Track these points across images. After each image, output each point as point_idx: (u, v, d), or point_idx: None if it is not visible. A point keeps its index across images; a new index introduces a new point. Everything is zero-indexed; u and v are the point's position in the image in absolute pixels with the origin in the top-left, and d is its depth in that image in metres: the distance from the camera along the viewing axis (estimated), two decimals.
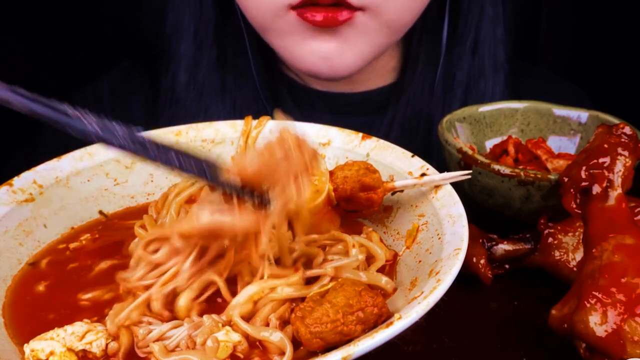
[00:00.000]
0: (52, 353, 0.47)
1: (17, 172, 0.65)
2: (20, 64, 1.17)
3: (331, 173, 0.61)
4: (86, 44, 1.20)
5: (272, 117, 0.74)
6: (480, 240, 0.62)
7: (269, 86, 0.96)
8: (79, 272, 0.60)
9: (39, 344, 0.48)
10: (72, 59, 1.21)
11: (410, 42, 0.96)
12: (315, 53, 0.84)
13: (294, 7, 0.80)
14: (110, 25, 1.25)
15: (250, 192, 0.51)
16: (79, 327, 0.49)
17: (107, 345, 0.49)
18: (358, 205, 0.62)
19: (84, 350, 0.48)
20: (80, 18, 1.24)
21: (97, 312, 0.54)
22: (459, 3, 0.94)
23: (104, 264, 0.60)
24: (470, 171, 0.62)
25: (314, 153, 0.53)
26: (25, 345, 0.49)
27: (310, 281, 0.55)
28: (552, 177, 0.64)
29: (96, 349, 0.49)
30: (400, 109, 0.96)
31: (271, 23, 0.84)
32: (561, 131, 0.81)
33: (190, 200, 0.62)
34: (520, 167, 0.70)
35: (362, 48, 0.84)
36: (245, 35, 0.94)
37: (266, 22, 0.85)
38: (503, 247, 0.63)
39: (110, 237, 0.65)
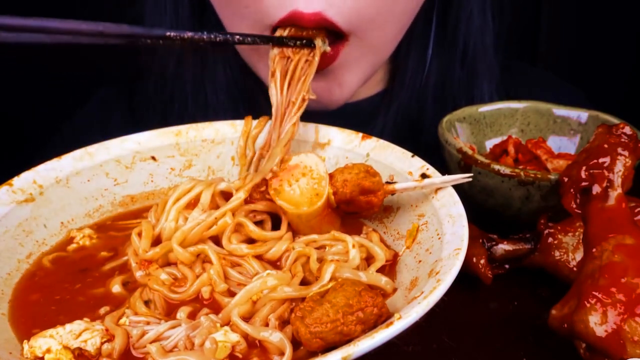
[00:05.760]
0: (48, 350, 0.48)
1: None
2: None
3: (331, 176, 0.61)
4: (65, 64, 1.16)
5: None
6: (480, 240, 0.62)
7: (248, 97, 0.94)
8: (79, 272, 0.60)
9: (37, 342, 0.48)
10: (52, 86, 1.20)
11: (399, 52, 0.94)
12: None
13: (274, 28, 0.75)
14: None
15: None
16: (77, 325, 0.50)
17: (101, 344, 0.49)
18: (358, 207, 0.61)
19: (79, 349, 0.48)
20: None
21: (96, 312, 0.54)
22: (447, 12, 0.92)
23: (103, 264, 0.60)
24: (471, 174, 0.62)
25: None
26: (25, 341, 0.49)
27: (307, 281, 0.55)
28: (552, 177, 0.64)
29: (91, 347, 0.49)
30: (390, 118, 0.94)
31: (254, 47, 0.81)
32: (561, 131, 0.81)
33: (190, 206, 0.61)
34: (520, 167, 0.70)
35: (351, 79, 0.82)
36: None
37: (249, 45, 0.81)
38: (503, 247, 0.63)
39: (110, 238, 0.65)
